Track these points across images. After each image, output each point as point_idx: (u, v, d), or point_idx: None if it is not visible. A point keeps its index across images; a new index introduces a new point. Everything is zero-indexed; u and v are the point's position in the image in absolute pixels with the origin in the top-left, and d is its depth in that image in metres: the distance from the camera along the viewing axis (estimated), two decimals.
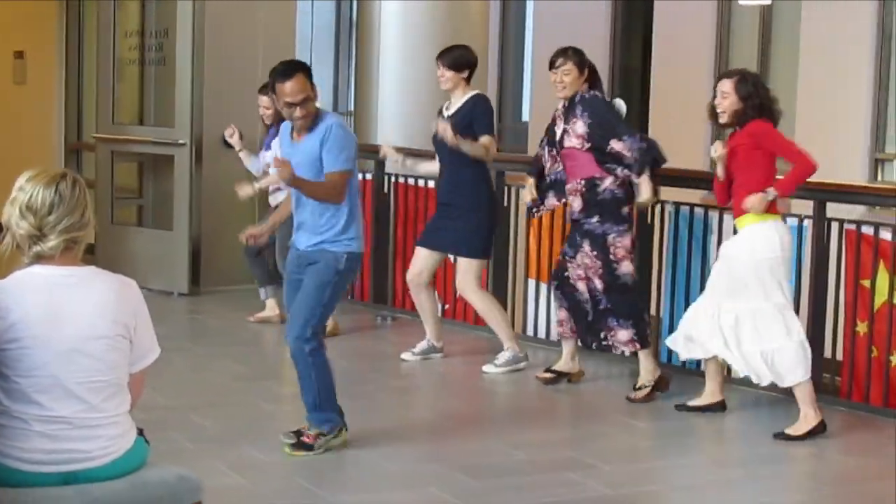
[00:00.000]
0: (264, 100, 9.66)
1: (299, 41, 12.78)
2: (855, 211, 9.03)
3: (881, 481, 6.61)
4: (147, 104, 11.93)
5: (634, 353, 8.15)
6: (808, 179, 7.41)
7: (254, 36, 11.37)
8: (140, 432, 4.38)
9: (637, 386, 8.08)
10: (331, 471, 6.56)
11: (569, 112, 8.15)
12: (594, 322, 8.19)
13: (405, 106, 11.71)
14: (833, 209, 8.19)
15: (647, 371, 8.09)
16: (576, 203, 8.14)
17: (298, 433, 6.75)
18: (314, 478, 6.40)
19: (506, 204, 9.70)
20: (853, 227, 7.98)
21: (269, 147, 9.59)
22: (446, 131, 8.35)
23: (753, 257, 7.29)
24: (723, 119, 7.41)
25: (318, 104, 6.71)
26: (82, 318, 4.14)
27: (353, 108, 15.95)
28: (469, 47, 8.89)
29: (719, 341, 7.42)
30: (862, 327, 7.92)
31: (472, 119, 8.55)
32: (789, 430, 7.22)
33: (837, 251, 8.09)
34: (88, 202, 4.22)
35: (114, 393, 4.22)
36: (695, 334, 7.54)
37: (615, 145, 7.98)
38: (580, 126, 8.07)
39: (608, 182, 8.04)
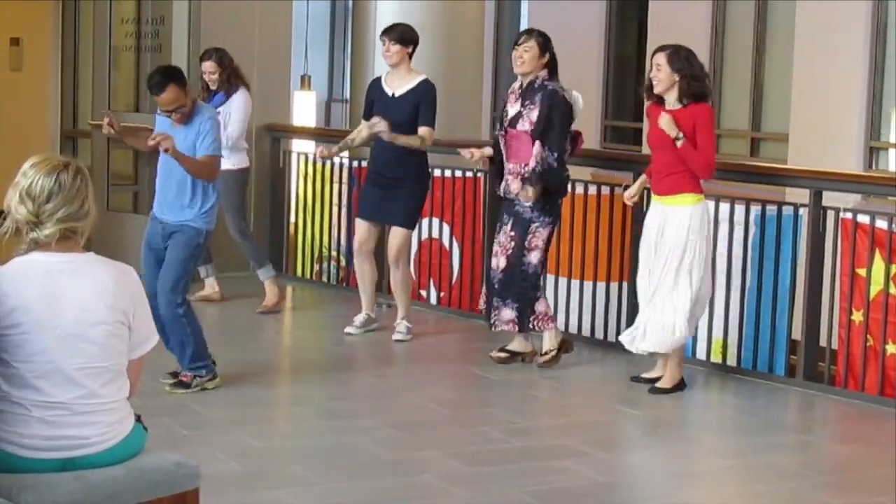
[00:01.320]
0: (208, 65, 9.94)
1: (295, 28, 12.76)
2: (850, 199, 9.04)
3: (877, 469, 6.62)
4: (143, 91, 11.89)
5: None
6: (699, 176, 7.75)
7: (250, 22, 11.36)
8: (138, 418, 4.39)
9: (543, 352, 8.46)
10: (326, 457, 6.57)
11: (526, 95, 8.33)
12: (491, 299, 8.51)
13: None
14: (829, 198, 8.21)
15: (550, 339, 8.46)
16: (514, 185, 8.32)
17: (175, 374, 7.65)
18: (310, 464, 6.41)
19: None
20: (849, 215, 7.99)
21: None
22: (383, 129, 8.73)
23: (688, 236, 7.68)
24: (657, 89, 7.75)
25: (195, 97, 7.94)
26: (82, 304, 4.14)
27: (348, 97, 15.96)
28: (411, 26, 9.14)
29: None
30: (857, 316, 7.93)
31: (417, 104, 8.85)
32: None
33: (833, 240, 8.10)
34: (90, 193, 4.22)
35: (112, 379, 4.23)
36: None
37: (536, 146, 8.20)
38: (535, 113, 8.26)
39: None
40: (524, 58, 8.32)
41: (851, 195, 9.16)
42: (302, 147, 11.84)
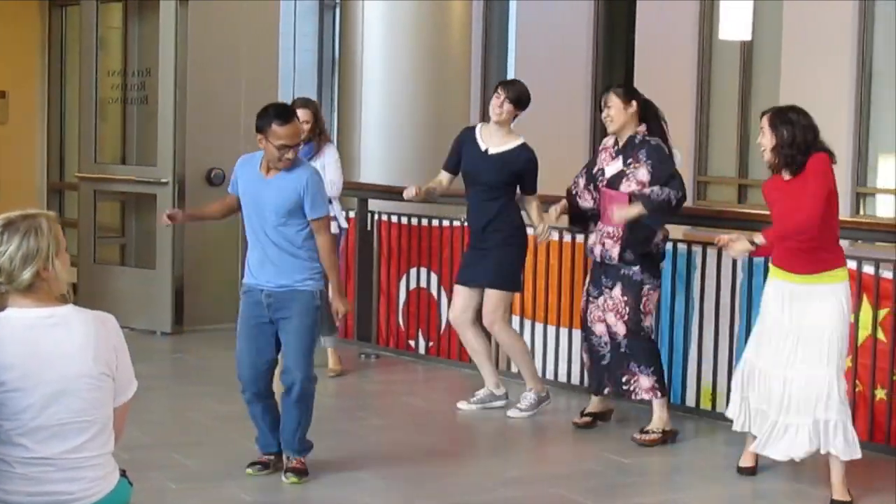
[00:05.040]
0: (302, 113, 9.01)
1: (282, 79, 12.79)
2: None
3: None
4: (129, 143, 11.92)
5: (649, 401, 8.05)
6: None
7: (236, 74, 11.38)
8: (122, 473, 4.36)
9: (646, 430, 7.96)
10: None
11: (627, 153, 7.92)
12: (613, 366, 8.04)
13: (388, 141, 11.75)
14: None
15: (661, 419, 7.98)
16: (615, 249, 7.92)
17: (287, 467, 6.98)
18: None
19: None
20: None
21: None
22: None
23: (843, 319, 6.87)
24: (765, 157, 6.98)
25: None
26: (66, 359, 4.12)
27: (335, 143, 15.95)
28: (527, 87, 8.52)
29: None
30: (846, 362, 7.90)
31: (523, 171, 8.38)
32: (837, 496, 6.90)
33: None
34: (46, 236, 4.18)
35: (98, 432, 4.20)
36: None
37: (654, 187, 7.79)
38: (643, 173, 7.84)
39: (658, 237, 7.96)
40: (611, 115, 7.92)
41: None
42: None
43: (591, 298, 8.10)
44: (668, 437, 7.96)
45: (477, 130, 8.60)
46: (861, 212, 14.49)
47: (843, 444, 6.80)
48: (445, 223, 10.10)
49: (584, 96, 17.73)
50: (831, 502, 6.82)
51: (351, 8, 13.64)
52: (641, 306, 7.93)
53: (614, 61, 18.21)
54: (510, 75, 19.31)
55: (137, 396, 4.55)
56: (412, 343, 10.48)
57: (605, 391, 8.23)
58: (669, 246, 8.59)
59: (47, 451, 4.10)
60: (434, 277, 10.30)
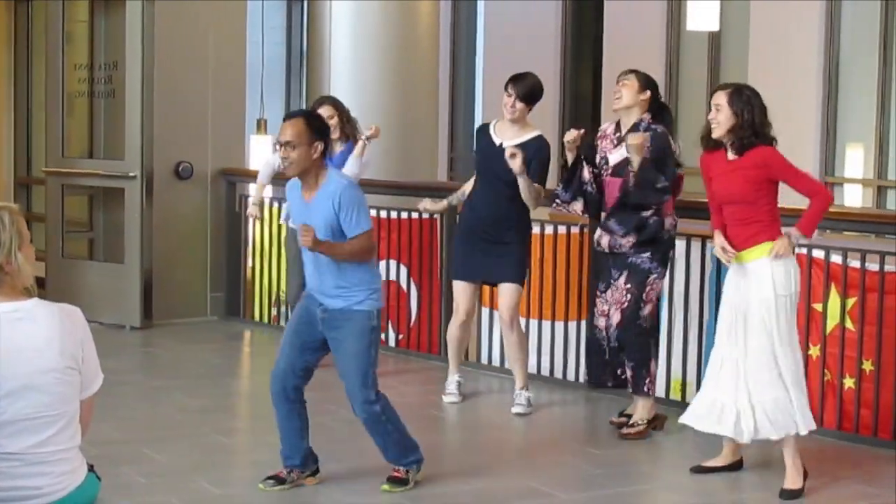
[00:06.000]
0: (325, 110, 9.06)
1: (250, 72, 12.76)
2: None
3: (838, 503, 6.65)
4: (97, 137, 11.87)
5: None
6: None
7: (204, 68, 11.34)
8: (91, 468, 4.34)
9: (631, 423, 7.92)
10: None
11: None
12: (612, 359, 7.98)
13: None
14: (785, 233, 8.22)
15: (644, 409, 7.94)
16: (624, 241, 7.82)
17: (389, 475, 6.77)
18: None
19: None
20: (804, 251, 8.01)
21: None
22: (516, 159, 7.95)
23: (774, 294, 6.82)
24: (716, 133, 6.89)
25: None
26: (32, 353, 4.10)
27: None
28: (539, 80, 8.38)
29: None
30: (814, 351, 7.94)
31: (529, 156, 8.14)
32: (788, 485, 6.84)
33: None
34: (7, 229, 4.15)
35: (65, 426, 4.19)
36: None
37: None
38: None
39: (668, 223, 7.87)
40: (621, 92, 7.82)
41: None
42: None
43: (598, 293, 8.01)
44: (656, 425, 7.95)
45: (492, 126, 8.45)
46: None
47: (771, 427, 6.77)
48: (415, 216, 10.08)
49: (553, 90, 17.74)
50: (781, 491, 6.79)
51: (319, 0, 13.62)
52: (644, 295, 7.82)
53: (583, 53, 18.24)
54: (479, 67, 19.34)
55: (107, 391, 4.54)
56: (382, 336, 10.46)
57: (609, 384, 8.20)
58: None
59: (14, 447, 4.09)
60: (403, 270, 10.30)
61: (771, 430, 6.76)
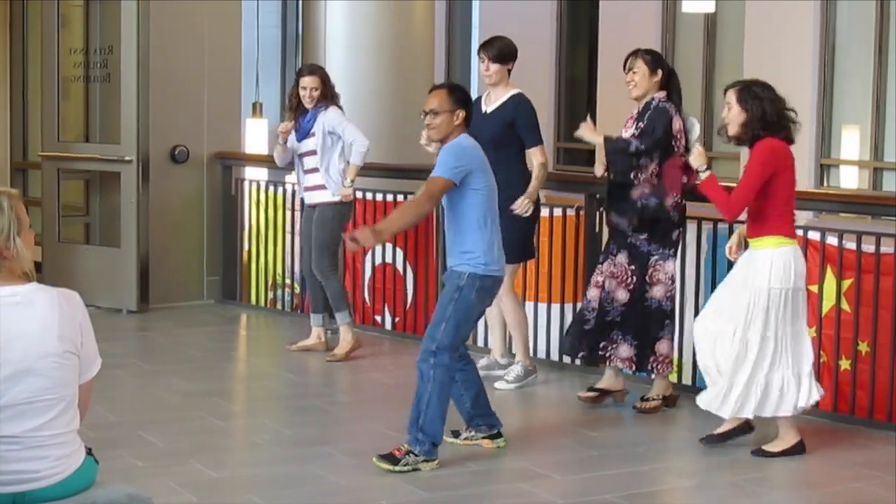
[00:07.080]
0: (311, 80, 9.28)
1: (245, 56, 12.74)
2: (802, 217, 9.08)
3: (836, 485, 6.67)
4: (93, 121, 11.86)
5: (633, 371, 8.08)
6: (721, 216, 7.25)
7: (199, 51, 11.33)
8: (89, 451, 4.35)
9: (646, 397, 8.01)
10: (283, 487, 6.52)
11: (640, 118, 7.86)
12: (593, 331, 7.96)
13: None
14: None
15: (661, 386, 8.03)
16: (621, 217, 7.88)
17: (455, 432, 7.16)
18: (266, 494, 6.37)
19: None
20: (800, 232, 8.02)
21: (306, 134, 9.33)
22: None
23: (768, 285, 6.93)
24: (731, 131, 7.00)
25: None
26: (30, 338, 4.11)
27: None
28: (509, 38, 8.53)
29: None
30: (810, 332, 7.95)
31: (514, 119, 8.30)
32: (767, 447, 7.10)
33: None
34: (6, 214, 4.16)
35: (64, 410, 4.19)
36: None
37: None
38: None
39: (669, 202, 7.83)
40: (635, 80, 7.82)
41: (803, 212, 9.19)
42: (254, 174, 11.82)
43: (598, 264, 8.06)
44: (669, 403, 8.04)
45: (483, 98, 8.57)
46: (825, 183, 14.55)
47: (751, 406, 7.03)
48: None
49: (548, 73, 17.78)
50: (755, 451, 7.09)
51: None
52: (648, 277, 7.85)
53: (578, 34, 18.22)
54: (474, 46, 19.31)
55: (104, 375, 4.55)
56: (378, 318, 10.49)
57: (580, 355, 8.27)
58: None
59: (12, 430, 4.09)
60: (399, 253, 10.31)
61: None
